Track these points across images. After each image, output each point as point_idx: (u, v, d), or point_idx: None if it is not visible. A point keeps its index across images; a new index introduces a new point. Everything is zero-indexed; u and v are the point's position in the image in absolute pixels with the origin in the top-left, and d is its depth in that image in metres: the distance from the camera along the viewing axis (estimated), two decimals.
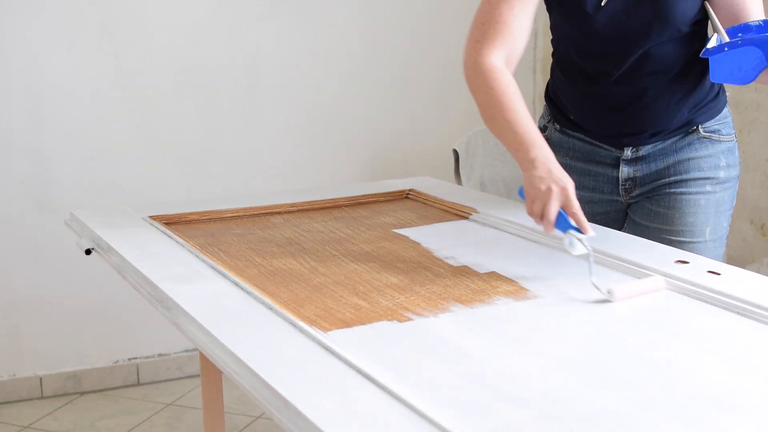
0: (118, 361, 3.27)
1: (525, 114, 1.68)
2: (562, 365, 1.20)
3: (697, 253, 1.76)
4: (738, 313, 1.38)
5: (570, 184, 1.57)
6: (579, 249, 1.52)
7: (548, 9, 1.91)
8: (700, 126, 1.89)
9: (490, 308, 1.42)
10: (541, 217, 1.57)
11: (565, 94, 1.97)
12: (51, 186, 3.11)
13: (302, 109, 3.33)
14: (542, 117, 2.06)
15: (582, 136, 1.97)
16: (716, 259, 1.81)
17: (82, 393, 3.22)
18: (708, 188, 1.89)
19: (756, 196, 3.06)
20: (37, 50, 3.02)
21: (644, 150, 1.91)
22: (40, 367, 3.18)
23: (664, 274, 1.52)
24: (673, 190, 1.90)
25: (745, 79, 1.71)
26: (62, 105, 3.07)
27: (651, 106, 1.87)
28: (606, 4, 1.80)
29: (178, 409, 3.10)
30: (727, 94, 1.99)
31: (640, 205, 1.95)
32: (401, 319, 1.37)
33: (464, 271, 1.60)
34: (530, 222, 1.84)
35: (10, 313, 3.13)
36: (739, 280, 1.49)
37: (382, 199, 2.13)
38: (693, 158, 1.89)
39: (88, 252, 1.86)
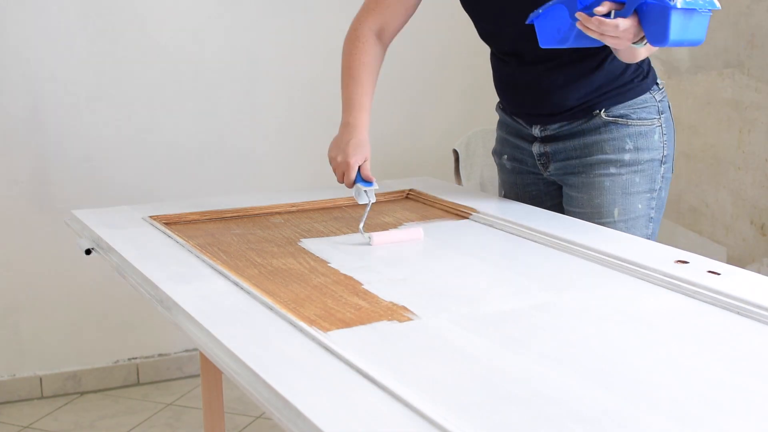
0: (118, 361, 3.27)
1: (363, 82, 1.94)
2: (562, 365, 1.20)
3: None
4: (738, 313, 1.38)
5: (361, 156, 1.84)
6: (363, 198, 1.83)
7: None
8: (603, 111, 1.95)
9: (490, 308, 1.42)
10: (342, 179, 1.87)
11: (492, 76, 2.11)
12: (51, 186, 3.10)
13: (302, 109, 3.33)
14: None
15: (507, 114, 2.10)
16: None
17: (82, 393, 3.22)
18: (612, 170, 1.94)
19: (756, 196, 3.06)
20: (37, 50, 3.02)
21: (551, 129, 2.00)
22: (40, 367, 3.18)
23: (664, 274, 1.52)
24: (579, 175, 1.97)
25: (565, 42, 1.75)
26: (62, 105, 3.07)
27: (545, 87, 1.96)
28: None
29: (178, 409, 3.10)
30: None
31: (563, 192, 2.03)
32: (401, 319, 1.37)
33: (464, 271, 1.60)
34: (530, 222, 1.85)
35: (10, 313, 3.13)
36: (739, 280, 1.49)
37: (382, 199, 2.13)
38: (597, 141, 1.96)
39: (88, 252, 1.86)
